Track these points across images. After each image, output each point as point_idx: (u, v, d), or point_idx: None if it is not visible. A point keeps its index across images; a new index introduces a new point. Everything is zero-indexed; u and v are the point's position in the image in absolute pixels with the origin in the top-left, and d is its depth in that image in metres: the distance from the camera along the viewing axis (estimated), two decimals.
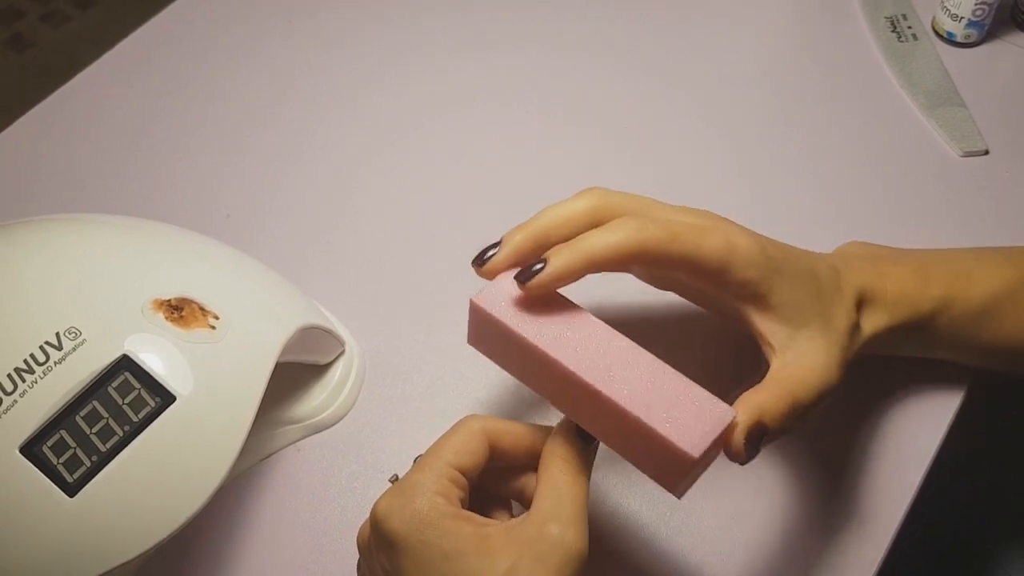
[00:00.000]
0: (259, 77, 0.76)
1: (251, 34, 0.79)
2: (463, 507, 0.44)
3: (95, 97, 0.75)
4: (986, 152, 0.68)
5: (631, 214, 0.46)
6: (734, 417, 0.42)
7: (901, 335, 0.52)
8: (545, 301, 0.45)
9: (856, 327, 0.49)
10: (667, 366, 0.43)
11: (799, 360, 0.46)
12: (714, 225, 0.46)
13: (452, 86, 0.75)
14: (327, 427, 0.58)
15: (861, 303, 0.50)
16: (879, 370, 0.59)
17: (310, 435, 0.57)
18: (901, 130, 0.70)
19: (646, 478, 0.55)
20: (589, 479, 0.44)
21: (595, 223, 0.46)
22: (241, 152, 0.71)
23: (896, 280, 0.51)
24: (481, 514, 0.45)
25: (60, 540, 0.42)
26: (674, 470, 0.41)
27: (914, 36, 0.67)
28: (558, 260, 0.44)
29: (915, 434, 0.56)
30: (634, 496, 0.55)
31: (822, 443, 0.56)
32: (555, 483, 0.43)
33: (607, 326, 0.45)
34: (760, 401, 0.44)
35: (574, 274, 0.44)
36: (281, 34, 0.78)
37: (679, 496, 0.43)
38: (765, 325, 0.47)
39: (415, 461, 0.45)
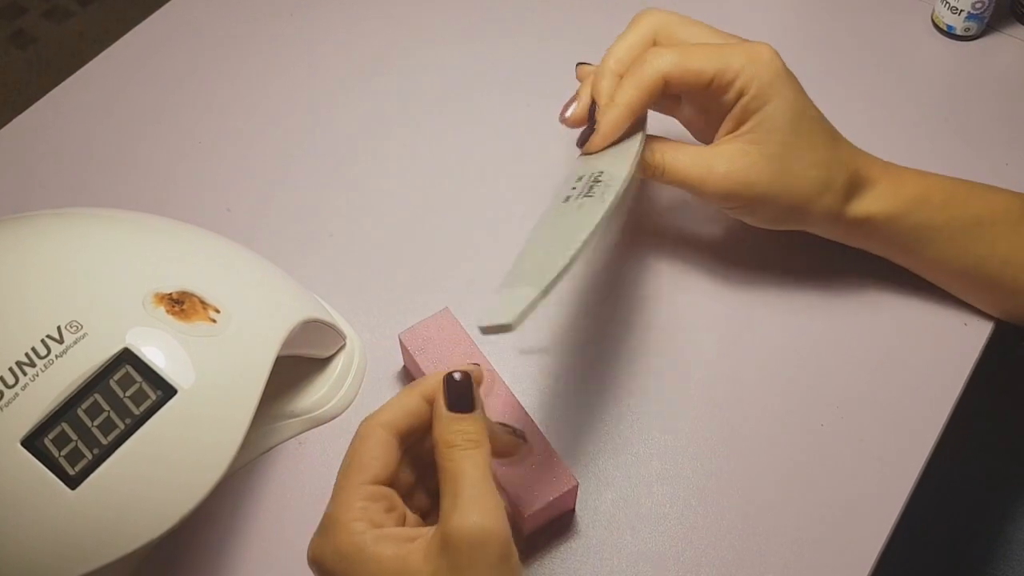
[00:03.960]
0: (260, 71, 0.76)
1: (252, 28, 0.79)
2: (394, 513, 0.43)
3: (97, 92, 0.75)
4: None
5: (659, 48, 0.54)
6: (575, 485, 0.51)
7: (893, 226, 0.56)
8: (459, 347, 0.55)
9: (822, 193, 0.54)
10: (538, 429, 0.52)
11: (712, 151, 0.54)
12: (738, 45, 0.54)
13: (454, 78, 0.75)
14: (328, 420, 0.58)
15: (855, 184, 0.55)
16: (880, 355, 0.59)
17: (311, 428, 0.57)
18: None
19: (644, 475, 0.55)
20: (482, 446, 0.43)
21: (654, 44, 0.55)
22: (242, 146, 0.71)
23: (900, 178, 0.56)
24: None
25: (62, 532, 0.43)
26: (517, 513, 0.51)
27: None
28: (604, 122, 0.53)
29: (918, 416, 0.57)
30: (633, 489, 0.55)
31: (824, 432, 0.56)
32: (446, 474, 0.42)
33: (502, 383, 0.54)
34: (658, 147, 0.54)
35: (619, 129, 0.53)
36: (282, 28, 0.78)
37: (525, 532, 0.52)
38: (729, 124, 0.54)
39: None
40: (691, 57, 0.52)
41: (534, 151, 0.70)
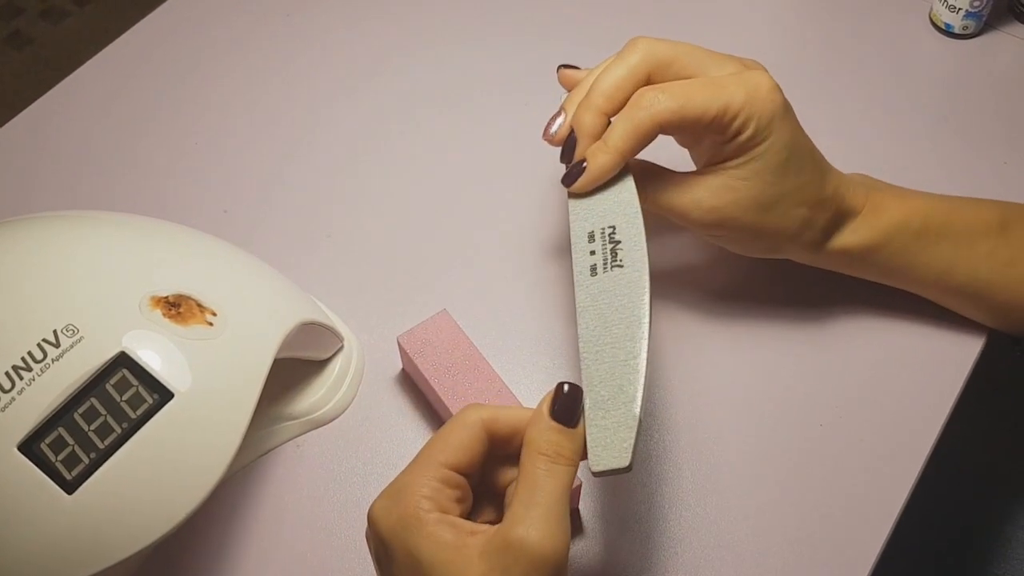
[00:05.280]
0: (257, 72, 0.75)
1: (249, 28, 0.78)
2: (461, 505, 0.43)
3: (93, 93, 0.74)
4: None
5: (657, 93, 0.51)
6: (578, 484, 0.51)
7: (873, 255, 0.56)
8: (457, 349, 0.55)
9: (804, 229, 0.54)
10: None
11: (698, 180, 0.53)
12: (736, 78, 0.51)
13: (452, 78, 0.74)
14: (326, 423, 0.58)
15: (839, 219, 0.55)
16: (878, 354, 0.59)
17: (309, 431, 0.57)
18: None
19: (644, 475, 0.55)
20: (573, 465, 0.42)
21: (647, 82, 0.52)
22: (239, 147, 0.71)
23: (880, 206, 0.55)
24: (490, 510, 0.45)
25: (59, 537, 0.42)
26: None
27: None
28: (594, 164, 0.51)
29: (917, 416, 0.57)
30: (633, 489, 0.55)
31: (823, 432, 0.56)
32: (528, 479, 0.42)
33: (501, 382, 0.54)
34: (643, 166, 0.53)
35: (612, 171, 0.52)
36: (279, 28, 0.78)
37: None
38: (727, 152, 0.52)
39: None
40: (691, 101, 0.50)
41: (532, 151, 0.70)
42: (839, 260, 0.57)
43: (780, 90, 0.51)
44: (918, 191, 0.58)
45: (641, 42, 0.52)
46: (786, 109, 0.52)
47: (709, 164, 0.53)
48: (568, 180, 0.52)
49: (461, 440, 0.43)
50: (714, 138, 0.52)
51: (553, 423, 0.43)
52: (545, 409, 0.43)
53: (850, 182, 0.56)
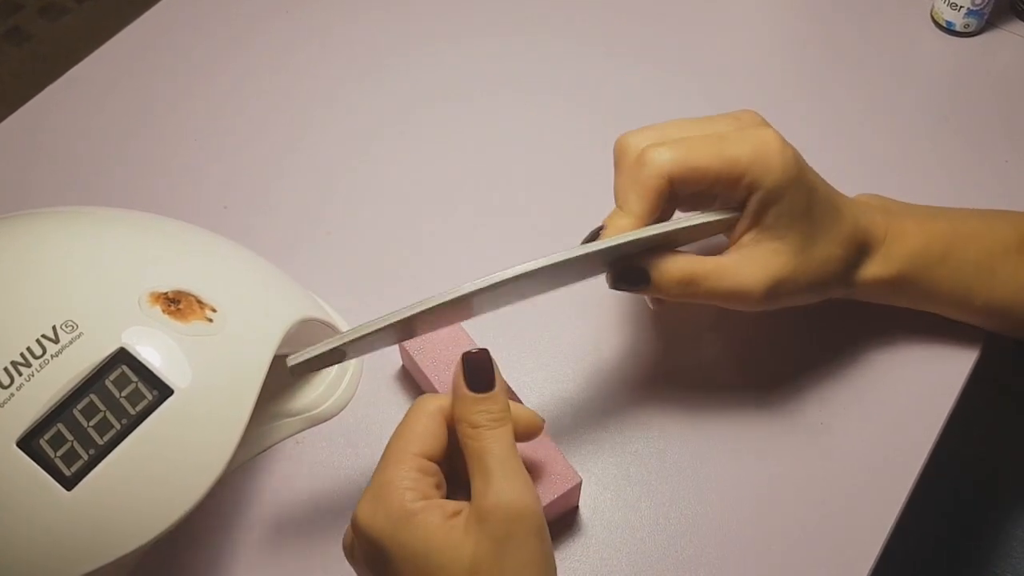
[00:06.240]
0: (256, 67, 0.75)
1: (247, 24, 0.78)
2: (440, 491, 0.44)
3: (92, 89, 0.74)
4: None
5: (655, 145, 0.50)
6: (579, 482, 0.51)
7: (900, 286, 0.55)
8: (458, 347, 0.55)
9: (845, 268, 0.53)
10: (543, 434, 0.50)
11: (743, 259, 0.51)
12: (740, 134, 0.50)
13: (453, 74, 0.74)
14: (326, 419, 0.57)
15: (864, 249, 0.54)
16: (880, 353, 0.59)
17: (309, 427, 0.57)
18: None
19: (645, 473, 0.55)
20: (507, 423, 0.44)
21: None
22: (238, 143, 0.71)
23: (901, 233, 0.55)
24: (464, 496, 0.45)
25: (58, 534, 0.42)
26: None
27: None
28: (611, 228, 0.50)
29: (917, 415, 0.57)
30: (634, 488, 0.55)
31: (823, 432, 0.56)
32: (473, 453, 0.43)
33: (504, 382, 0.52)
34: (671, 259, 0.50)
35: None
36: (277, 24, 0.78)
37: None
38: (744, 226, 0.51)
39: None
40: (692, 152, 0.49)
41: (533, 149, 0.70)
42: (871, 290, 0.56)
43: (786, 142, 0.50)
44: (932, 210, 0.57)
45: (630, 136, 0.52)
46: (796, 156, 0.51)
47: (738, 235, 0.52)
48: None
49: (427, 428, 0.45)
50: (728, 199, 0.51)
51: (474, 395, 0.44)
52: (460, 383, 0.44)
53: (866, 209, 0.55)
